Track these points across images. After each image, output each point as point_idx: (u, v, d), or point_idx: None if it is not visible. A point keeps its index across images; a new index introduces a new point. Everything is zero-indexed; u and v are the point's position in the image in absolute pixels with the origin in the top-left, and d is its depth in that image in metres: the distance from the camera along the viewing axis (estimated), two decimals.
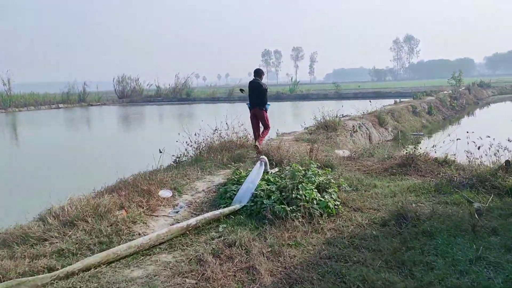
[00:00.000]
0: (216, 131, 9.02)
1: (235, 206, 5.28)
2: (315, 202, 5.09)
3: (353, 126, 12.45)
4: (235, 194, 5.57)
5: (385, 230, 4.47)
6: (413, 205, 5.00)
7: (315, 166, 6.48)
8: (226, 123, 9.23)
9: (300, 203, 4.96)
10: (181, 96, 50.59)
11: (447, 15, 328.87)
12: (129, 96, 51.70)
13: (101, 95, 51.95)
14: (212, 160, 7.65)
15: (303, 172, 5.81)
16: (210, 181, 6.54)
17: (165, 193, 5.76)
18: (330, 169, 6.84)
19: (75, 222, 4.59)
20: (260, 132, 8.58)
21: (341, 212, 5.14)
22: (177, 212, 5.38)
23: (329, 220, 4.89)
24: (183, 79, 52.60)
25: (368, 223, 4.72)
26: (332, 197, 5.31)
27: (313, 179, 5.61)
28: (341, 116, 13.60)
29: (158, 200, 5.50)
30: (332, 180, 5.79)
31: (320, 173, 6.00)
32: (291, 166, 6.06)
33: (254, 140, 8.51)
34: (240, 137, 8.92)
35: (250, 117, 8.63)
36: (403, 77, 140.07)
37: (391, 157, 7.70)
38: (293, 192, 5.13)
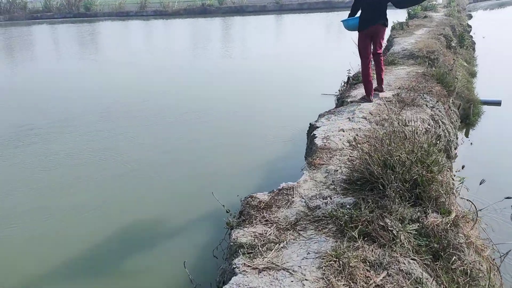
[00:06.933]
0: None
1: None
2: None
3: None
4: None
5: None
6: None
7: None
8: None
9: None
10: (78, 11, 39.41)
11: None
12: (8, 12, 39.83)
13: None
14: None
15: None
16: None
17: None
18: None
19: None
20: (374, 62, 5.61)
21: None
22: None
23: None
24: None
25: None
26: None
27: None
28: None
29: None
30: None
31: None
32: None
33: (366, 74, 5.43)
34: None
35: (361, 42, 5.43)
36: None
37: None
38: None
